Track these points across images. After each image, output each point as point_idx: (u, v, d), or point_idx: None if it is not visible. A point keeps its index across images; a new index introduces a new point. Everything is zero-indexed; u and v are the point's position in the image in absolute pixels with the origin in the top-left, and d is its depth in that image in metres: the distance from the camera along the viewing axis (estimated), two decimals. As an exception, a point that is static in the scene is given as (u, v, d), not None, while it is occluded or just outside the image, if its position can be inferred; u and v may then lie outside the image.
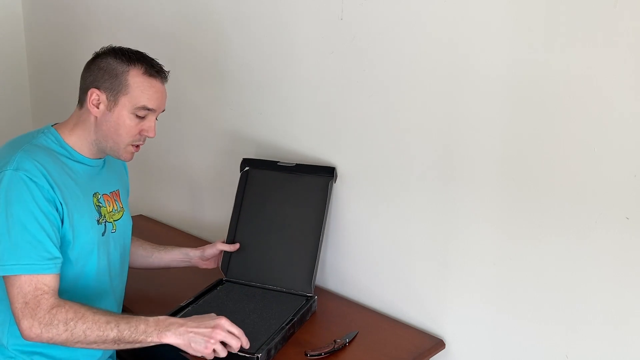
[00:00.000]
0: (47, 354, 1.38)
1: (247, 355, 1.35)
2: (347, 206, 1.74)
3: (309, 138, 1.80)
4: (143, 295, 1.72)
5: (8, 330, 1.37)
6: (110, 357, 1.54)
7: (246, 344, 1.32)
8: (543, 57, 1.30)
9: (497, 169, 1.41)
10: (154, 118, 1.44)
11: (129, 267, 1.63)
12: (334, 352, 1.45)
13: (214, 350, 1.27)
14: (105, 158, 1.51)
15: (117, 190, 1.55)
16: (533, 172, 1.35)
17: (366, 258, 1.72)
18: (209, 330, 1.27)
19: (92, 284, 1.44)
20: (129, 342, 1.25)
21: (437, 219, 1.54)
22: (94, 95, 1.39)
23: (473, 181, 1.46)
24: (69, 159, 1.41)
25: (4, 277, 1.28)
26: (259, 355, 1.34)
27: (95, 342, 1.25)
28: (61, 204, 1.33)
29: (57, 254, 1.30)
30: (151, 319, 1.28)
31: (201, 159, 2.20)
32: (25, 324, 1.24)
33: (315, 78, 1.75)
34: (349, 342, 1.50)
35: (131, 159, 1.47)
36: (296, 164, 1.77)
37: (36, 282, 1.26)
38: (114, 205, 1.51)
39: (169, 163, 2.34)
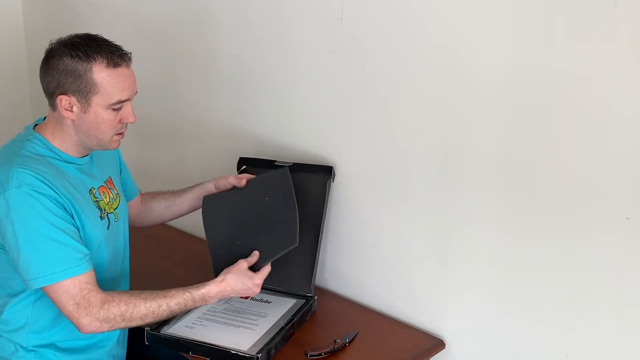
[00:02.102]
0: (63, 346, 1.42)
1: (247, 355, 1.35)
2: (346, 206, 1.74)
3: (309, 137, 1.80)
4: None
5: (28, 332, 1.40)
6: (120, 345, 1.56)
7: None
8: (543, 58, 1.30)
9: (497, 169, 1.41)
10: (130, 104, 1.40)
11: (150, 226, 1.78)
12: (334, 352, 1.45)
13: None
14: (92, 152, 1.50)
15: (109, 177, 1.55)
16: (533, 172, 1.35)
17: (366, 258, 1.72)
18: (249, 293, 1.45)
19: (103, 276, 1.46)
20: (181, 313, 1.44)
21: (437, 219, 1.54)
22: (64, 101, 1.34)
23: (473, 180, 1.46)
24: (60, 161, 1.40)
25: (45, 288, 1.30)
26: (259, 355, 1.34)
27: (152, 321, 1.37)
28: (70, 207, 1.35)
29: (86, 250, 1.34)
30: (197, 295, 1.39)
31: (200, 158, 2.20)
32: (84, 321, 1.29)
33: (315, 78, 1.75)
34: (349, 342, 1.50)
35: (119, 146, 1.46)
36: (293, 163, 1.77)
37: (79, 283, 1.30)
38: (110, 194, 1.52)
39: (167, 162, 2.34)
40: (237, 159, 1.86)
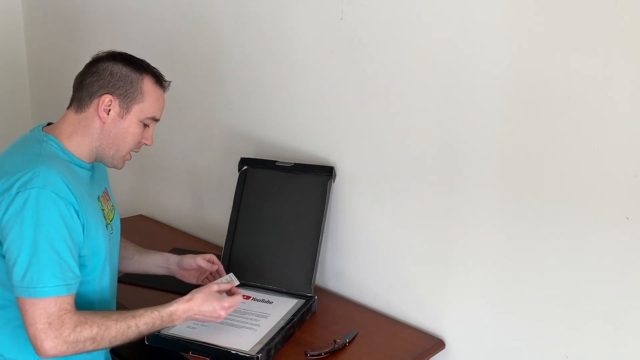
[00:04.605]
0: None
1: (247, 355, 1.35)
2: (347, 206, 1.74)
3: (309, 138, 1.80)
4: (141, 295, 1.71)
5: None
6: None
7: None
8: (543, 57, 1.30)
9: (497, 169, 1.41)
10: (154, 127, 1.45)
11: None
12: (334, 352, 1.45)
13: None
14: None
15: (106, 188, 1.54)
16: (533, 172, 1.35)
17: (366, 258, 1.72)
18: (214, 317, 1.39)
19: (108, 290, 1.46)
20: (149, 333, 1.36)
21: (437, 219, 1.54)
22: (107, 100, 1.35)
23: (473, 181, 1.46)
24: (73, 164, 1.38)
25: (25, 299, 1.22)
26: (259, 355, 1.34)
27: (119, 343, 1.30)
28: (83, 217, 1.32)
29: (78, 272, 1.29)
30: (164, 314, 1.35)
31: (201, 158, 2.20)
32: (49, 344, 1.21)
33: (315, 78, 1.75)
34: (349, 342, 1.50)
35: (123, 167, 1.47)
36: (294, 163, 1.77)
37: (61, 303, 1.23)
38: (107, 205, 1.50)
39: (168, 162, 2.34)
40: (238, 159, 1.86)
